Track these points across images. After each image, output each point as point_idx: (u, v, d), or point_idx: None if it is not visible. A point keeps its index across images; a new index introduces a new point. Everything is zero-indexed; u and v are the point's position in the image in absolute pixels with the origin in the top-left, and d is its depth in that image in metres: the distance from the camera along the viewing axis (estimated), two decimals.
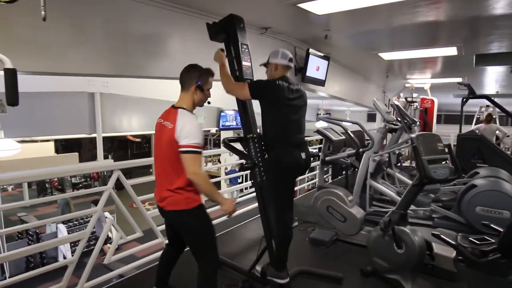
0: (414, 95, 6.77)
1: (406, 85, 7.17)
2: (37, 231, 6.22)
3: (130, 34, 2.40)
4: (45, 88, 5.70)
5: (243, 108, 2.31)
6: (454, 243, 1.96)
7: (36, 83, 5.39)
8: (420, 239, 2.31)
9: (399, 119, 3.92)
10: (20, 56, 1.83)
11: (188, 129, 1.68)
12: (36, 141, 7.73)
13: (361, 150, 3.41)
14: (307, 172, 5.21)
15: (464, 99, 4.87)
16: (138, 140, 12.58)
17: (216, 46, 2.36)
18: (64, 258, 5.55)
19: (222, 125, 9.71)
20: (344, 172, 5.13)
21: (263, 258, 2.37)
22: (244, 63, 2.34)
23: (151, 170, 9.16)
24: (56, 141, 10.27)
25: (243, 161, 2.24)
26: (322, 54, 4.56)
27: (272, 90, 2.03)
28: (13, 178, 2.15)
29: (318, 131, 3.23)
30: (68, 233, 5.62)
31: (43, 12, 1.00)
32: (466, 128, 5.90)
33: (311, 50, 4.28)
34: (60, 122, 6.12)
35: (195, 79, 1.80)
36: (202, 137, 1.75)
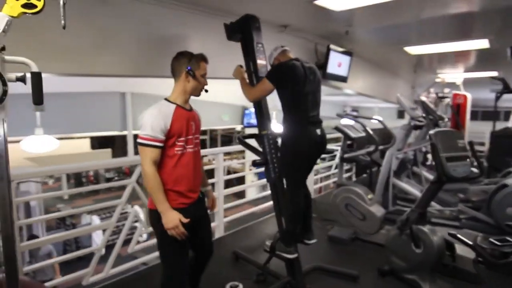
0: (446, 90, 6.46)
1: (437, 80, 6.86)
2: (73, 222, 6.68)
3: (152, 37, 2.52)
4: (81, 88, 6.07)
5: (258, 105, 2.36)
6: (471, 243, 1.89)
7: (72, 84, 5.73)
8: (439, 239, 2.25)
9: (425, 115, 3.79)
10: (51, 59, 2.01)
11: (144, 119, 1.57)
12: (73, 138, 8.26)
13: (381, 147, 3.34)
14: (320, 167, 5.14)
15: (498, 94, 4.60)
16: None
17: (233, 46, 2.42)
18: None
19: (247, 123, 9.80)
20: (368, 170, 5.04)
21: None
22: (259, 61, 2.39)
23: None
24: (92, 138, 10.92)
25: None
26: (344, 50, 4.49)
27: (288, 68, 2.06)
28: (46, 171, 2.34)
29: (337, 128, 3.21)
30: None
31: (62, 21, 1.09)
32: (503, 125, 5.58)
33: (331, 46, 4.23)
34: (93, 120, 6.50)
35: (184, 65, 1.68)
36: (157, 128, 1.55)
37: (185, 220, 1.56)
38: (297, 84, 2.05)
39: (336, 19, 3.48)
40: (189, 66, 1.69)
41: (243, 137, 2.26)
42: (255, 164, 2.10)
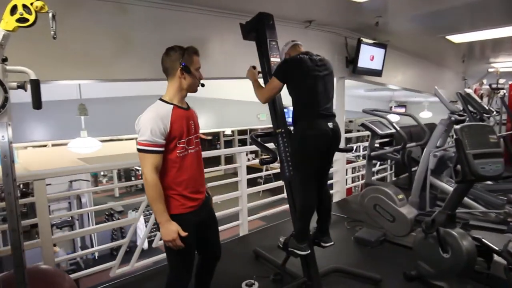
0: (501, 81, 5.82)
1: (490, 69, 6.20)
2: (119, 218, 7.17)
3: (171, 40, 2.57)
4: (125, 93, 6.51)
5: (272, 104, 2.33)
6: (497, 249, 1.69)
7: (117, 89, 6.18)
8: (469, 244, 2.04)
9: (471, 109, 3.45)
10: (73, 66, 2.19)
11: (140, 124, 1.48)
12: (122, 140, 8.84)
13: (414, 144, 3.11)
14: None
15: None
16: (209, 137, 13.40)
17: (251, 46, 2.43)
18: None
19: None
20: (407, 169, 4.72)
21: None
22: (272, 59, 2.37)
23: (220, 167, 9.68)
24: None
25: None
26: (376, 42, 4.26)
27: (295, 63, 2.03)
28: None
29: (363, 125, 3.07)
30: (145, 220, 6.28)
31: (52, 32, 1.18)
32: None
33: (362, 39, 4.04)
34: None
35: (177, 60, 1.57)
36: (156, 132, 1.46)
37: (183, 234, 1.49)
38: (305, 78, 2.00)
39: (365, 10, 3.32)
40: (183, 62, 1.58)
41: (256, 136, 2.25)
42: (262, 162, 2.07)
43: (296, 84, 2.04)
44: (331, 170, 4.57)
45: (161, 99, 1.60)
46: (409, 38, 4.56)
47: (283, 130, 2.25)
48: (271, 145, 2.24)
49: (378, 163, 5.78)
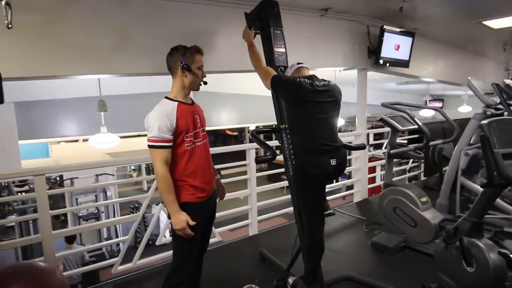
0: None
1: None
2: (146, 211, 7.33)
3: (172, 34, 2.49)
4: (147, 89, 6.60)
5: (277, 98, 2.18)
6: None
7: (138, 85, 6.26)
8: (497, 257, 1.76)
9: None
10: (71, 61, 2.16)
11: (148, 122, 1.58)
12: (145, 136, 9.09)
13: (441, 141, 2.80)
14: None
15: None
16: (235, 133, 13.39)
17: (260, 37, 2.28)
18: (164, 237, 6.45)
19: None
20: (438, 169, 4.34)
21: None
22: (276, 49, 2.22)
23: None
24: None
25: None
26: (402, 30, 3.92)
27: (292, 86, 1.82)
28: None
29: (382, 119, 2.80)
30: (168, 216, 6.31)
31: (6, 21, 1.11)
32: None
33: (386, 27, 3.73)
34: None
35: (179, 60, 1.64)
36: (163, 128, 1.54)
37: (192, 223, 1.59)
38: (297, 104, 1.82)
39: None
40: (184, 61, 1.65)
41: (257, 132, 2.09)
42: (258, 161, 1.92)
43: (289, 107, 1.88)
44: (351, 168, 4.31)
45: (166, 97, 1.68)
46: (439, 24, 4.16)
47: (287, 126, 2.09)
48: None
49: (410, 161, 5.40)
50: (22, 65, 1.98)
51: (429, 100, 10.39)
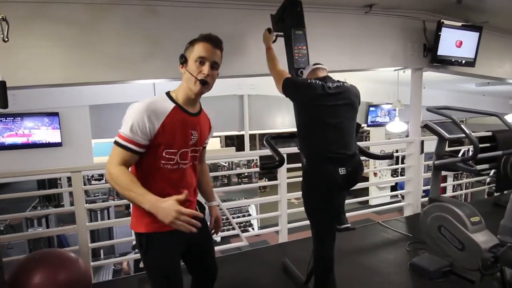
0: None
1: None
2: None
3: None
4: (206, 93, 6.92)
5: None
6: None
7: None
8: None
9: None
10: (105, 68, 2.35)
11: (126, 113, 1.23)
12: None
13: (501, 153, 2.36)
14: None
15: None
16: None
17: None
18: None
19: (371, 121, 8.95)
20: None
21: None
22: (296, 50, 2.12)
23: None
24: (226, 137, 12.33)
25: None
26: (466, 24, 3.44)
27: (301, 88, 1.73)
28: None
29: (426, 126, 2.49)
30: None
31: (1, 36, 1.22)
32: None
33: (443, 21, 3.31)
34: (216, 121, 7.30)
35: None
36: (136, 128, 1.18)
37: (189, 212, 1.08)
38: (305, 106, 1.72)
39: None
40: (183, 52, 1.31)
41: (272, 137, 2.01)
42: (263, 167, 1.83)
43: (299, 111, 1.77)
44: (403, 178, 3.91)
45: (167, 93, 1.32)
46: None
47: (297, 131, 1.97)
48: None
49: (492, 171, 4.69)
50: (63, 72, 2.22)
51: None
